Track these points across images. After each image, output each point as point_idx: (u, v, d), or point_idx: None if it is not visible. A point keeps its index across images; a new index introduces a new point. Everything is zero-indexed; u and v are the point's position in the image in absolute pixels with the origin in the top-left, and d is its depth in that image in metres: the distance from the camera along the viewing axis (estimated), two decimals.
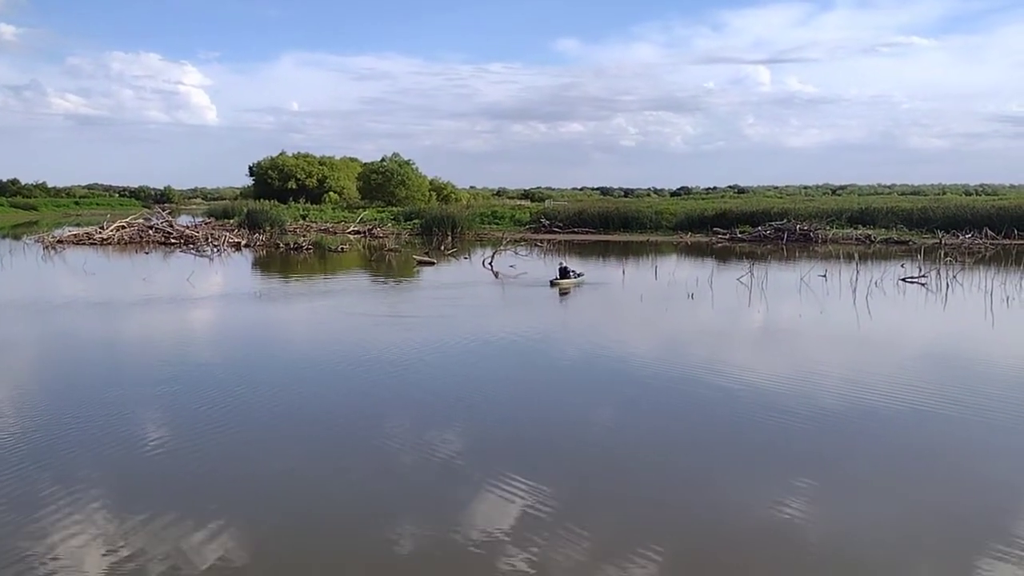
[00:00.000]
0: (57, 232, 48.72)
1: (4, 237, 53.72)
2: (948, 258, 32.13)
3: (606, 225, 52.40)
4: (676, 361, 14.98)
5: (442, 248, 41.61)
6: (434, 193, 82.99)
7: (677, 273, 29.31)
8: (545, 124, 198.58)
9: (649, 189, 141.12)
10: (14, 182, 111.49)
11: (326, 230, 53.66)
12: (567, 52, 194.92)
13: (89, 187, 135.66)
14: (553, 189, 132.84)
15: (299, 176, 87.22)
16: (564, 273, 26.32)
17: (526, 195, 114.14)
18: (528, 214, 59.95)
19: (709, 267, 31.59)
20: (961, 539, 7.45)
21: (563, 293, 24.87)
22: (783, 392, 12.41)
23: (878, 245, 42.33)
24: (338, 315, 20.69)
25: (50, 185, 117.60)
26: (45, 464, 9.13)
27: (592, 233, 51.06)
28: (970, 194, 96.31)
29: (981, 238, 42.05)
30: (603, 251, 40.83)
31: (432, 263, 34.23)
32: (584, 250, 41.22)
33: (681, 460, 9.53)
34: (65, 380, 13.66)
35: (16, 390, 12.88)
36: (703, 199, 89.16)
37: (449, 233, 49.43)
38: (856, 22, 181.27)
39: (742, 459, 9.56)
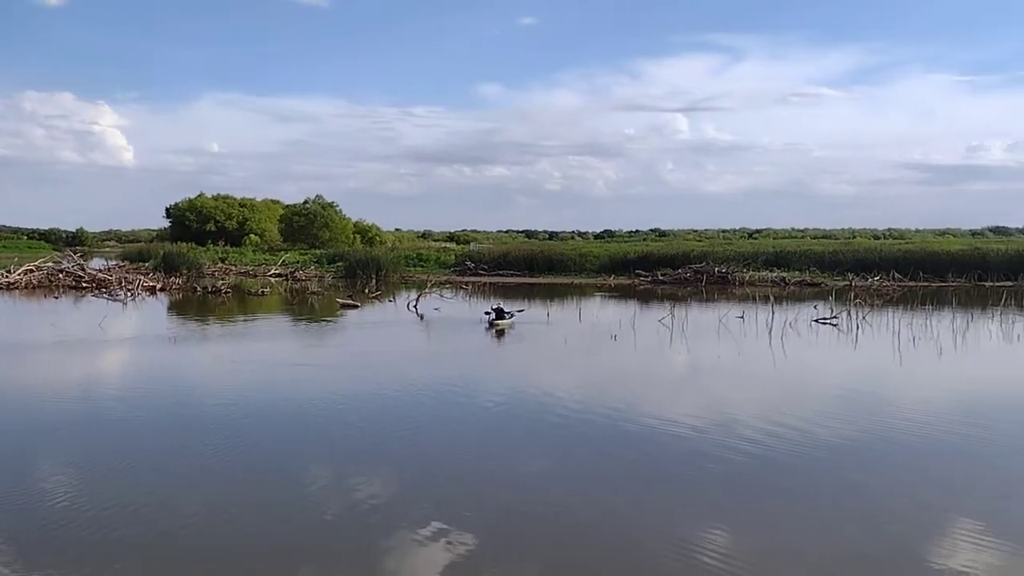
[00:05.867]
0: None
1: None
2: (858, 300, 33.35)
3: (531, 268, 52.84)
4: (596, 403, 15.02)
5: (366, 291, 41.17)
6: (358, 236, 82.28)
7: (601, 315, 29.66)
8: (470, 167, 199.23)
9: (573, 232, 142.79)
10: None
11: (246, 273, 52.57)
12: (491, 97, 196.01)
13: None
14: (478, 232, 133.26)
15: (218, 218, 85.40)
16: (500, 314, 26.44)
17: (451, 237, 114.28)
18: (453, 256, 60.01)
19: (632, 309, 32.05)
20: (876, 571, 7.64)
21: (499, 334, 24.86)
22: (701, 431, 12.57)
23: (792, 287, 43.72)
24: (254, 359, 20.17)
25: None
26: None
27: (517, 276, 51.31)
28: (878, 238, 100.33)
29: (889, 280, 43.87)
30: (528, 293, 41.00)
31: (356, 306, 33.78)
32: (509, 292, 41.33)
33: (600, 500, 9.52)
34: None
35: None
36: (626, 242, 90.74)
37: (373, 276, 48.92)
38: (768, 73, 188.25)
39: (662, 500, 9.66)
